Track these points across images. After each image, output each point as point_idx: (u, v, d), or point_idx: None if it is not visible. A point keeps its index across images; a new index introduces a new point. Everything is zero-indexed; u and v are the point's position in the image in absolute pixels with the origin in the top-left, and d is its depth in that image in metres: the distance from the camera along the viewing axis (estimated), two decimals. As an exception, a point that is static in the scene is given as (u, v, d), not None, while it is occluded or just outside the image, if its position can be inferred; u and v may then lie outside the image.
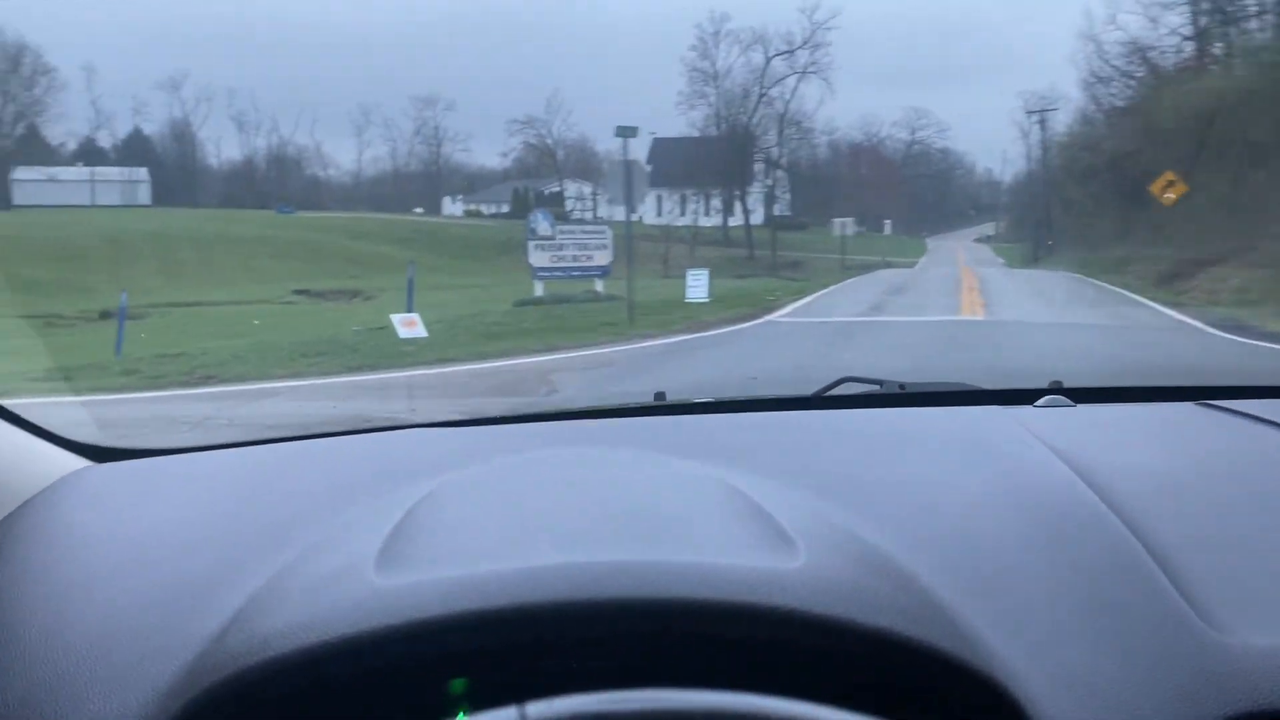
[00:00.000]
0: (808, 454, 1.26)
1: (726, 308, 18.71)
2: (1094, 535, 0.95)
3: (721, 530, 0.85)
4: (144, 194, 77.62)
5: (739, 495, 0.94)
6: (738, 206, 56.52)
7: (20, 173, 72.11)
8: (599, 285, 20.53)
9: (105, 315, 26.14)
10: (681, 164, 55.04)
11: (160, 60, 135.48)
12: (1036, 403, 1.53)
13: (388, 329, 14.31)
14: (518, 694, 0.64)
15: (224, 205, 72.15)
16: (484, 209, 77.11)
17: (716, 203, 56.75)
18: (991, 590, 0.85)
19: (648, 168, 69.50)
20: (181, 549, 0.97)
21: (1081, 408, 1.52)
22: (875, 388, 1.71)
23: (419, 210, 75.89)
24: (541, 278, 20.64)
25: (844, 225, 48.10)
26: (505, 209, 73.53)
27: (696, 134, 58.02)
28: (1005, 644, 0.77)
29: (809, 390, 1.71)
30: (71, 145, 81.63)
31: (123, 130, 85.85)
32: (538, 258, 20.40)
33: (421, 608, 0.70)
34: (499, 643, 0.69)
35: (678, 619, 0.70)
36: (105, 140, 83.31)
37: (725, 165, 53.63)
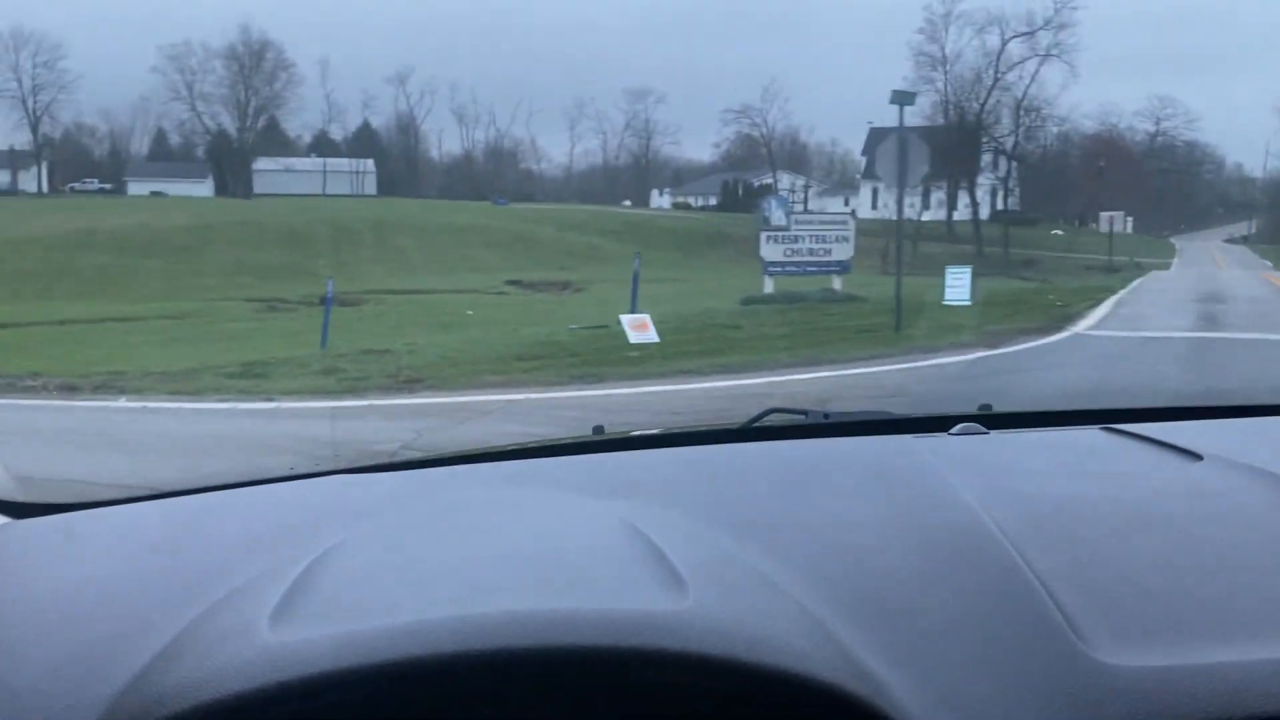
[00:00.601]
0: (728, 488, 1.30)
1: (1005, 315, 16.09)
2: (988, 565, 0.97)
3: (614, 574, 0.87)
4: (370, 184, 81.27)
5: (637, 536, 0.95)
6: (961, 200, 53.19)
7: (261, 163, 76.81)
8: (836, 283, 18.42)
9: (324, 301, 26.59)
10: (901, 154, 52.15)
11: (389, 55, 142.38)
12: (951, 430, 1.56)
13: (609, 328, 13.10)
14: None
15: (443, 196, 74.34)
16: (692, 201, 76.33)
17: (938, 195, 53.57)
18: (888, 624, 0.86)
19: (861, 159, 66.97)
20: (92, 608, 0.96)
21: (994, 434, 1.55)
22: (801, 418, 1.75)
23: (627, 203, 75.96)
24: (773, 273, 18.38)
25: (1112, 221, 43.85)
26: (713, 201, 72.58)
27: (922, 122, 54.95)
28: (899, 678, 0.78)
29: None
30: (307, 138, 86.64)
31: (353, 123, 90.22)
32: (770, 251, 18.15)
33: (311, 663, 0.70)
34: (389, 698, 0.70)
35: (565, 667, 0.72)
36: (337, 133, 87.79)
37: (951, 155, 50.44)
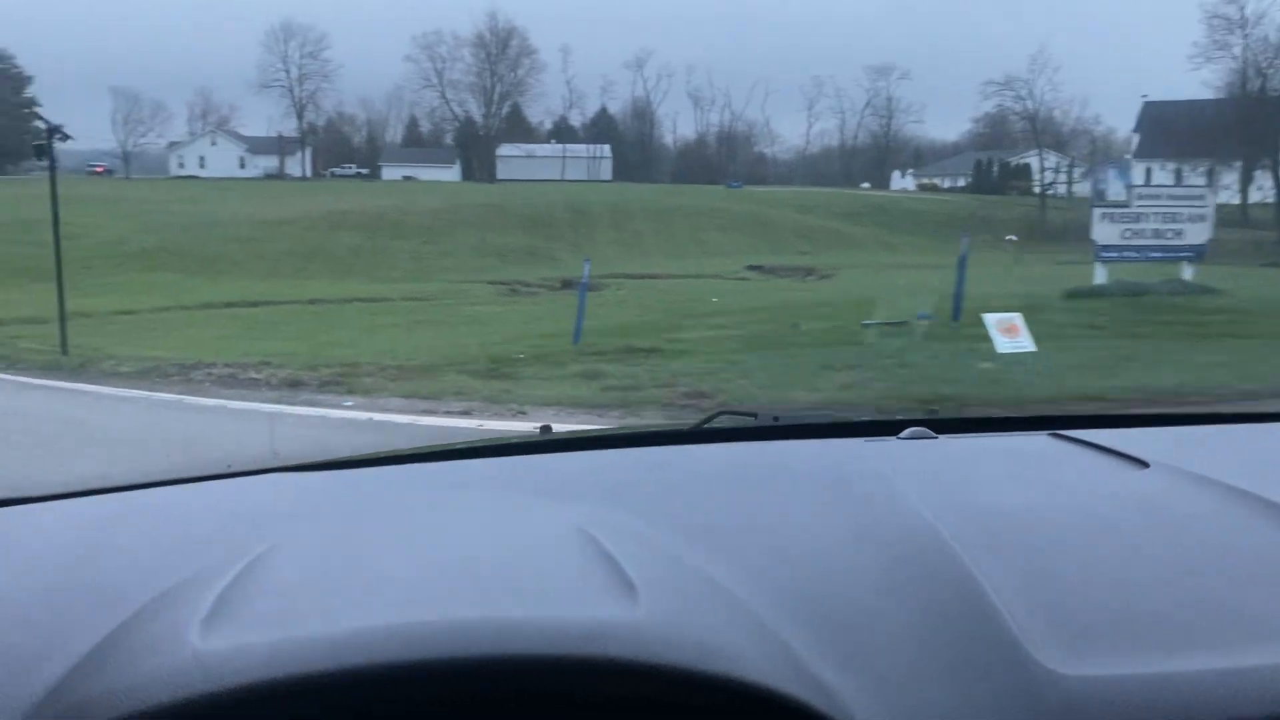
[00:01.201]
0: (678, 491, 1.28)
1: None
2: (938, 572, 0.95)
3: (563, 581, 0.85)
4: (606, 169, 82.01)
5: (587, 541, 0.93)
6: (1261, 180, 47.08)
7: (504, 149, 78.87)
8: (1187, 271, 14.60)
9: (566, 284, 25.91)
10: (1182, 131, 46.79)
11: (628, 40, 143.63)
12: (900, 434, 1.54)
13: (908, 324, 11.18)
14: None
15: (675, 181, 73.83)
16: (939, 182, 72.17)
17: (1227, 177, 47.65)
18: (839, 632, 0.85)
19: (1134, 135, 60.75)
20: (9, 611, 0.92)
21: (943, 439, 1.54)
22: (751, 420, 1.71)
23: (865, 185, 72.82)
24: (1108, 259, 14.44)
25: None
26: (962, 182, 68.26)
27: (1210, 94, 49.14)
28: (850, 686, 0.77)
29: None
30: (547, 124, 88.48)
31: (591, 109, 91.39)
32: (1105, 231, 14.27)
33: (244, 672, 0.68)
34: (326, 709, 0.68)
35: (510, 677, 0.70)
36: (575, 119, 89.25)
37: (1247, 131, 44.70)
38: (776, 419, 1.68)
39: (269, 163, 71.31)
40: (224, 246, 30.94)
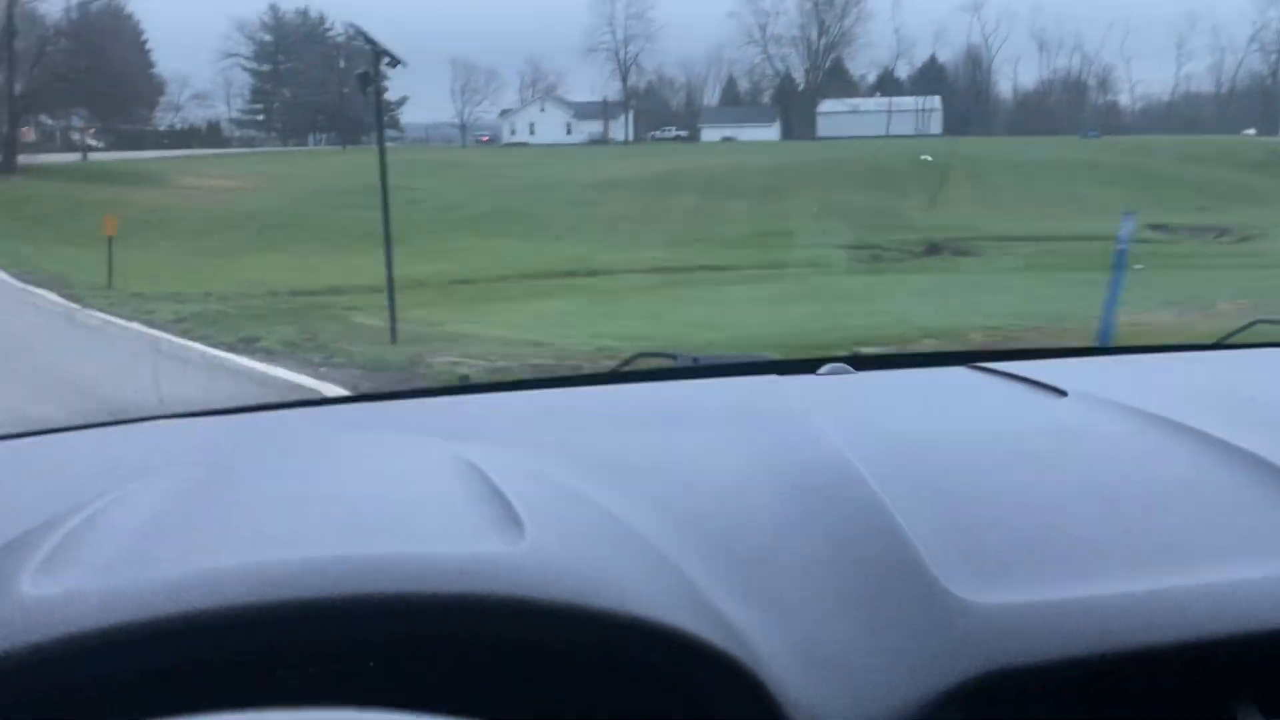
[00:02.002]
0: (587, 431, 1.25)
1: None
2: (850, 505, 0.94)
3: (442, 517, 0.82)
4: (935, 123, 76.05)
5: (475, 477, 0.90)
6: None
7: (825, 105, 74.99)
8: None
9: (932, 249, 22.34)
10: None
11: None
12: (818, 371, 1.53)
13: None
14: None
15: (1013, 133, 67.01)
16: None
17: None
18: (745, 566, 0.83)
19: None
20: None
21: (861, 375, 1.53)
22: (670, 361, 1.72)
23: (1250, 131, 62.48)
24: None
25: None
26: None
27: None
28: (755, 622, 0.75)
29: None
30: (870, 77, 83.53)
31: (919, 58, 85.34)
32: None
33: (74, 620, 0.64)
34: (169, 657, 0.64)
35: (375, 617, 0.66)
36: (903, 70, 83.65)
37: None
38: (696, 360, 1.67)
39: (593, 128, 71.75)
40: (558, 210, 29.82)
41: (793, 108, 75.90)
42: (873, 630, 0.77)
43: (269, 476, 0.96)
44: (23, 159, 33.20)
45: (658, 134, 72.88)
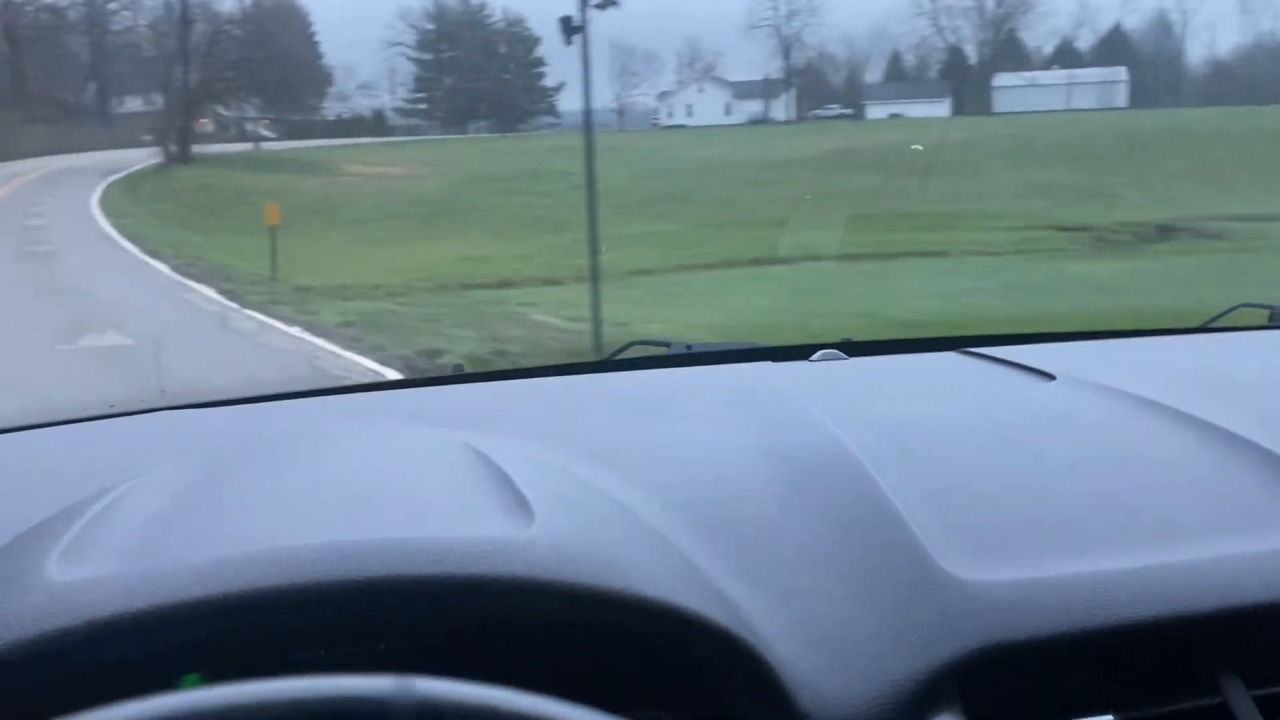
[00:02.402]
0: (585, 418, 1.27)
1: None
2: (846, 487, 0.96)
3: (454, 502, 0.84)
4: (1120, 95, 70.72)
5: (482, 463, 0.92)
6: None
7: (1000, 79, 70.67)
8: None
9: (1165, 231, 19.58)
10: None
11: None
12: (811, 357, 1.55)
13: None
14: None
15: (1208, 104, 61.43)
16: None
17: None
18: (744, 547, 0.85)
19: None
20: None
21: (854, 360, 1.54)
22: (664, 349, 1.74)
23: None
24: None
25: None
26: None
27: None
28: (757, 602, 0.77)
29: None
30: (1046, 48, 78.43)
31: (1103, 26, 79.56)
32: None
33: (101, 605, 0.65)
34: (194, 640, 0.65)
35: (395, 598, 0.67)
36: (1085, 39, 78.21)
37: None
38: (689, 348, 1.69)
39: (753, 108, 69.67)
40: (731, 191, 28.09)
41: (964, 82, 71.81)
42: (870, 608, 0.79)
43: (280, 464, 0.96)
44: (197, 149, 33.66)
45: (820, 112, 70.17)
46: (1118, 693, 0.78)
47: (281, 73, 38.57)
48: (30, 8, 46.48)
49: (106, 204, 23.64)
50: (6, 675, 0.61)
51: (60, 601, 0.65)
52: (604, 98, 73.72)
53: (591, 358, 8.10)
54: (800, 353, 1.55)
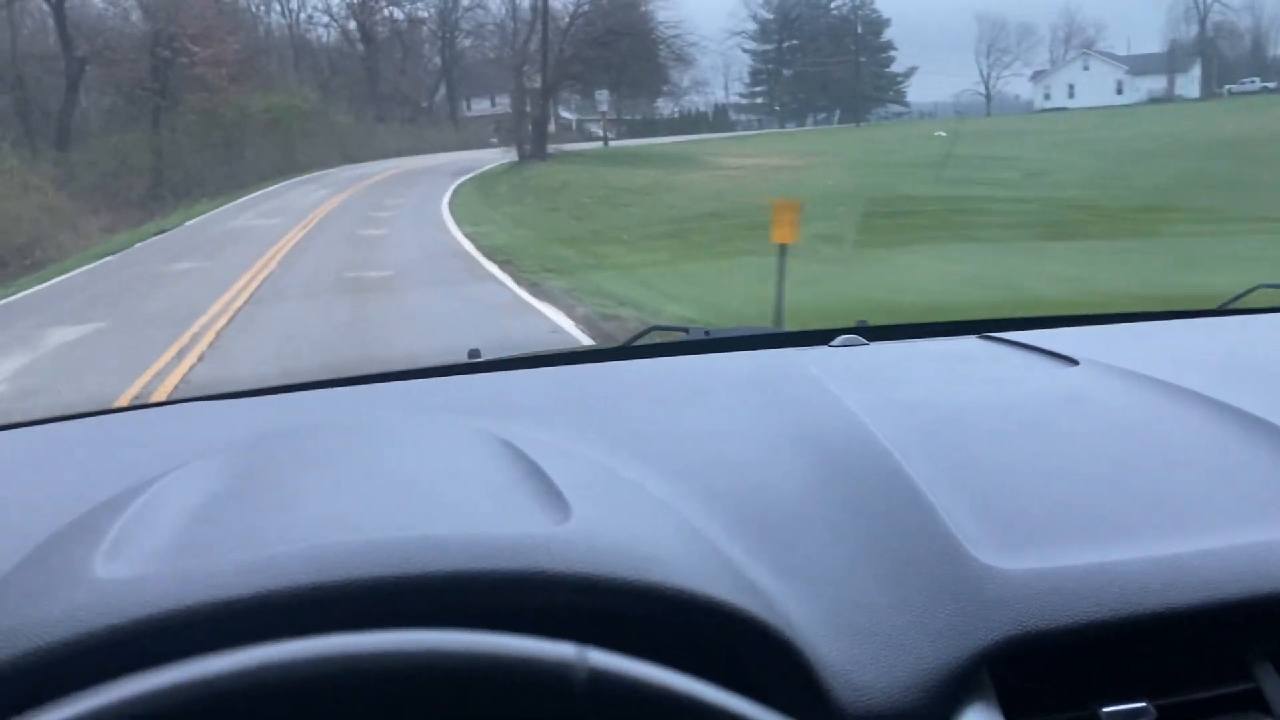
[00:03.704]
0: (607, 406, 1.26)
1: None
2: (871, 474, 0.96)
3: (490, 496, 0.84)
4: None
5: (515, 456, 0.92)
6: None
7: None
8: None
9: None
10: None
11: None
12: (832, 343, 1.54)
13: None
14: None
15: None
16: None
17: None
18: (774, 537, 0.85)
19: None
20: None
21: (874, 345, 1.52)
22: (682, 335, 1.71)
23: None
24: None
25: None
26: None
27: None
28: (788, 592, 0.78)
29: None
30: None
31: None
32: None
33: (150, 603, 0.66)
34: (238, 638, 0.63)
35: (436, 595, 0.68)
36: None
37: None
38: (708, 333, 1.67)
39: (1153, 84, 59.75)
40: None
41: None
42: (902, 597, 0.78)
43: (313, 457, 0.97)
44: (550, 147, 31.36)
45: (1235, 87, 58.95)
46: (1150, 680, 0.77)
47: (626, 71, 35.94)
48: (384, 7, 46.86)
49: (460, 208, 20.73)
50: (53, 671, 0.62)
51: (108, 599, 0.65)
52: (964, 81, 66.12)
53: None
54: (819, 337, 1.55)
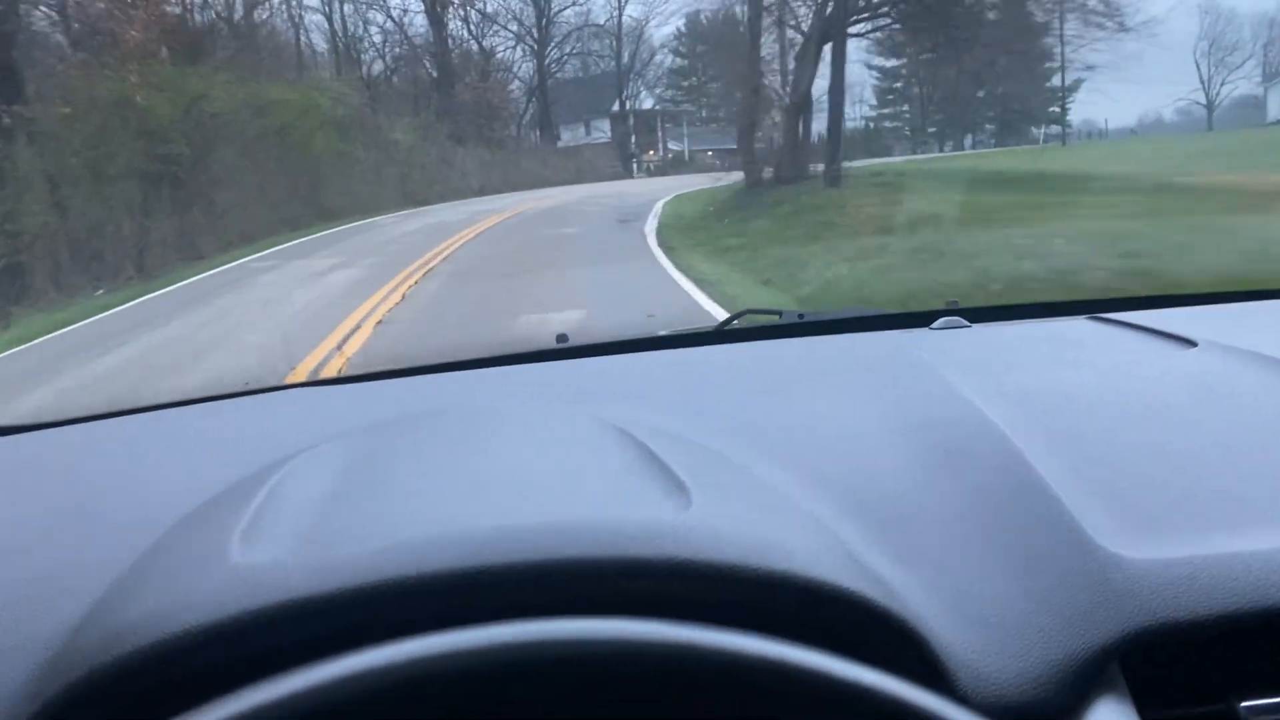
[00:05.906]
0: (708, 392, 1.25)
1: None
2: (990, 460, 0.94)
3: (611, 482, 0.84)
4: None
5: (630, 442, 0.92)
6: None
7: None
8: None
9: None
10: None
11: None
12: (933, 325, 1.50)
13: None
14: None
15: None
16: None
17: None
18: (892, 525, 0.85)
19: None
20: (38, 537, 0.92)
21: (977, 328, 1.50)
22: (775, 319, 1.68)
23: None
24: None
25: None
26: None
27: None
28: (909, 581, 0.77)
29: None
30: None
31: None
32: None
33: (289, 588, 0.67)
34: (371, 622, 0.66)
35: (562, 581, 0.69)
36: None
37: None
38: (801, 316, 1.65)
39: None
40: None
41: None
42: (1026, 586, 0.77)
43: (432, 442, 0.97)
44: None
45: None
46: None
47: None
48: None
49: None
50: (194, 655, 0.64)
51: (247, 583, 0.67)
52: (1188, 83, 54.06)
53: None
54: (916, 320, 1.51)
